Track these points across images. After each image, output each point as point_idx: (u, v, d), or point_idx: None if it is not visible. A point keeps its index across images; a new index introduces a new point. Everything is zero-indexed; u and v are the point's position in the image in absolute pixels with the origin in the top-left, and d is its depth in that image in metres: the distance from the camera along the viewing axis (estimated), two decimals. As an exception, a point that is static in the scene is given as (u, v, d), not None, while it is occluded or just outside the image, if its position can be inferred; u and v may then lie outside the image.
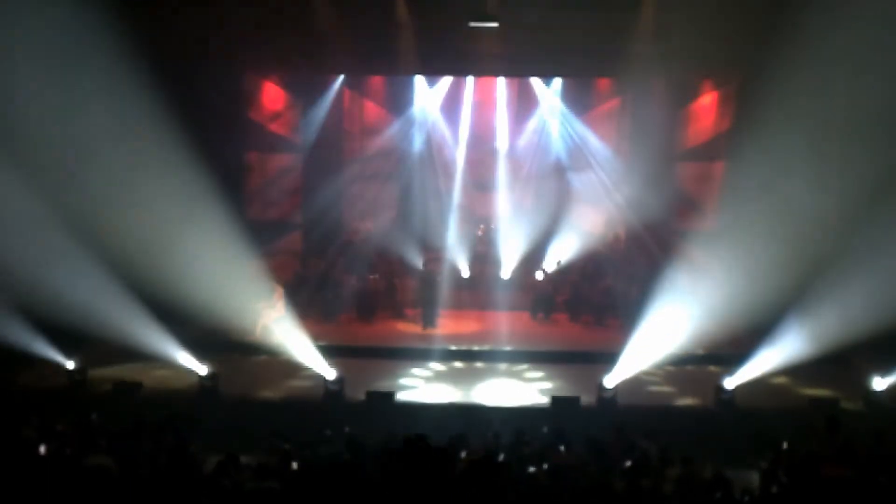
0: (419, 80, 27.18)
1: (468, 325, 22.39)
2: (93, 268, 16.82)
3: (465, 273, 25.72)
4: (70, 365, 16.50)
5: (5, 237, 16.28)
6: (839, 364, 18.21)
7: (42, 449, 10.35)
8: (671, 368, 18.34)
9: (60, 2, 16.49)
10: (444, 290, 22.57)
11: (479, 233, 27.50)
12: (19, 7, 16.78)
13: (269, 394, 16.81)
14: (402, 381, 17.57)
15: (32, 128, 17.75)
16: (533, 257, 25.66)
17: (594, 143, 26.86)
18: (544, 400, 16.01)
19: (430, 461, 8.35)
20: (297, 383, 17.27)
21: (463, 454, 10.87)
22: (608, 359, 17.19)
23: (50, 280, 16.37)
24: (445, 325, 22.03)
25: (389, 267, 24.39)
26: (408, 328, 22.07)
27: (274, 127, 25.31)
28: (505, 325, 22.37)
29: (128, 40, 17.77)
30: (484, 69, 25.17)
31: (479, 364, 19.09)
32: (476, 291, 24.88)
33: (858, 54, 17.31)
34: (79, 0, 16.32)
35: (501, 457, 11.06)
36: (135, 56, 17.97)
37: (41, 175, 17.82)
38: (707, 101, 25.17)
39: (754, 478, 11.92)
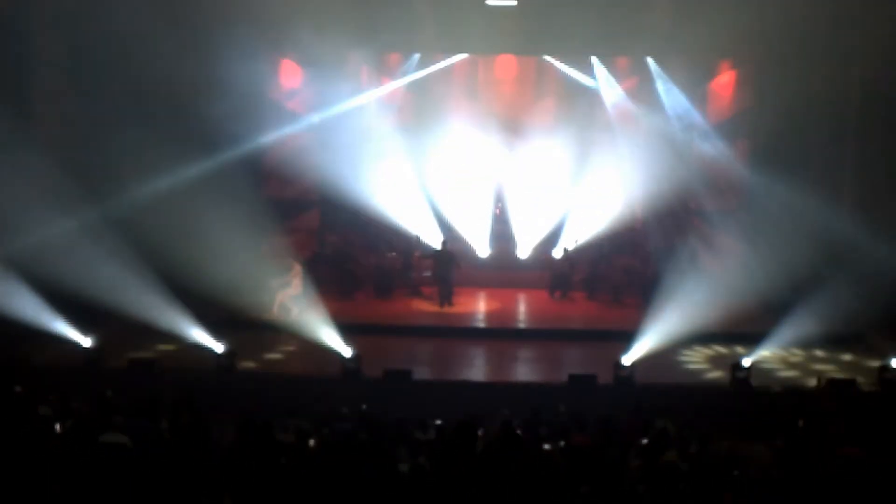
0: (437, 58, 27.05)
1: (485, 304, 22.42)
2: (111, 246, 16.86)
3: (483, 252, 25.68)
4: (87, 343, 16.54)
5: (25, 216, 16.37)
6: (856, 343, 18.18)
7: (58, 427, 10.38)
8: (688, 347, 18.29)
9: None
10: (462, 268, 22.53)
11: (497, 211, 27.42)
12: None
13: (285, 371, 16.84)
14: (419, 358, 17.59)
15: (52, 105, 17.86)
16: (550, 236, 25.62)
17: (613, 120, 26.72)
18: (561, 378, 16.00)
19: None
20: (314, 361, 17.28)
21: (480, 432, 10.88)
22: (625, 337, 17.18)
23: (68, 258, 16.43)
24: (462, 304, 22.04)
25: (407, 245, 24.38)
26: (425, 306, 22.08)
27: (292, 104, 25.25)
28: (522, 304, 22.40)
29: (147, 18, 17.85)
30: (501, 47, 25.10)
31: (496, 342, 19.07)
32: (494, 270, 24.87)
33: (875, 30, 17.27)
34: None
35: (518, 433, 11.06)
36: (154, 34, 18.02)
37: (60, 151, 17.94)
38: (725, 80, 25.04)
39: (770, 456, 11.91)
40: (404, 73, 26.91)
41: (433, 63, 26.78)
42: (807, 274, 17.99)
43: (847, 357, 17.75)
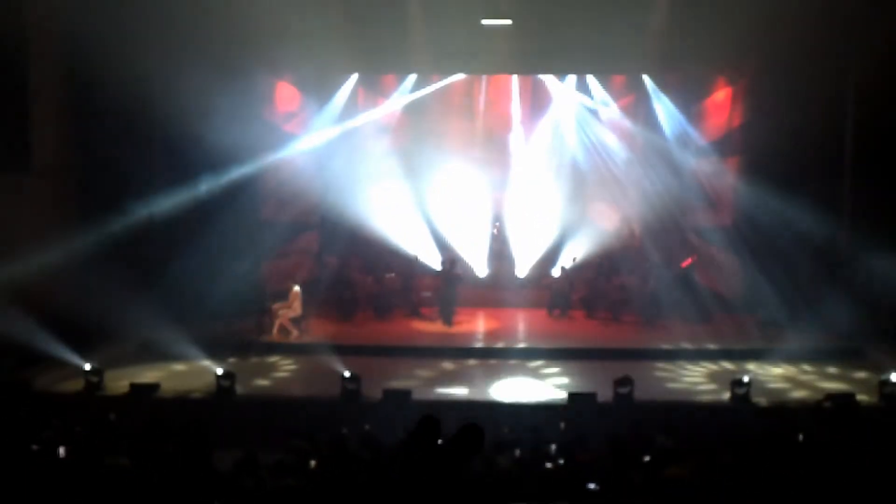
0: (434, 79, 27.11)
1: (485, 323, 22.41)
2: (110, 269, 16.86)
3: (482, 271, 25.72)
4: (87, 366, 16.52)
5: (23, 239, 16.38)
6: (855, 358, 18.19)
7: (62, 451, 10.38)
8: (687, 363, 18.30)
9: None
10: (461, 288, 22.53)
11: (495, 231, 27.49)
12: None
13: (286, 393, 16.82)
14: (419, 379, 17.56)
15: (48, 130, 17.91)
16: (549, 254, 25.67)
17: (609, 138, 26.85)
18: (561, 396, 15.99)
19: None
20: (314, 382, 17.27)
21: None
22: (625, 355, 17.20)
23: (66, 281, 16.44)
24: (462, 323, 22.05)
25: (405, 266, 24.42)
26: (424, 326, 22.09)
27: (288, 127, 25.29)
28: (521, 323, 22.39)
29: (143, 42, 17.90)
30: (497, 67, 25.15)
31: (495, 361, 19.04)
32: (492, 289, 24.89)
33: (871, 40, 17.39)
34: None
35: (518, 452, 11.07)
36: (149, 58, 18.07)
37: (56, 175, 17.98)
38: (721, 97, 25.12)
39: (771, 471, 11.92)
40: (400, 94, 27.03)
41: (429, 84, 26.90)
42: (804, 288, 18.02)
43: (846, 371, 17.74)
